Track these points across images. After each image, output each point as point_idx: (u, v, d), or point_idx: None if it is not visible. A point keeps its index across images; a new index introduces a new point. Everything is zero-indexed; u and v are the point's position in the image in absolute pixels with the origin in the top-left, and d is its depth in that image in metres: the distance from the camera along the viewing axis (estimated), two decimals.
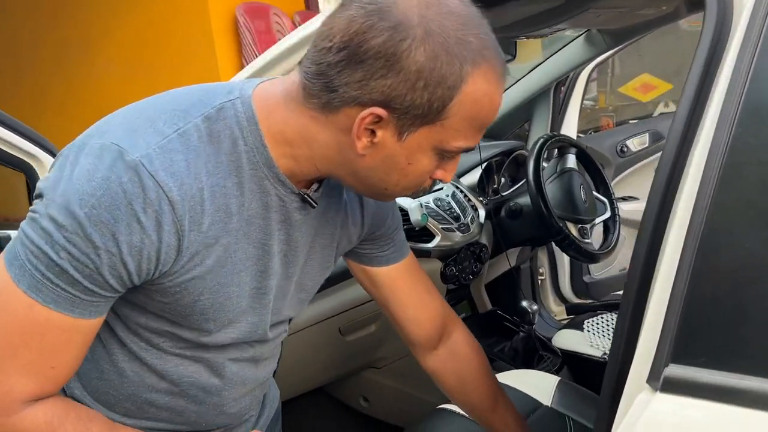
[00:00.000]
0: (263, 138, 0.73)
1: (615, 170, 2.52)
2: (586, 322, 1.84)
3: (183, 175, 0.67)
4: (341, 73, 0.67)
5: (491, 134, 2.27)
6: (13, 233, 1.42)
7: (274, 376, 1.04)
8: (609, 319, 1.85)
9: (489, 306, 2.05)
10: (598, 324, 1.83)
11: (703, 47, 0.71)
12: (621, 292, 2.16)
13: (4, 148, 1.41)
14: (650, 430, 0.62)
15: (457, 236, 1.69)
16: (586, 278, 2.49)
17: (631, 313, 0.71)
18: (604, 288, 2.48)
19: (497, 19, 1.11)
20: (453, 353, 1.07)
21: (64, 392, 0.83)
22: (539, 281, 2.44)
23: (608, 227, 1.94)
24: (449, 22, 0.66)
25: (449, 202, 1.73)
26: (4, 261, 0.68)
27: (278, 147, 0.73)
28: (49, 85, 4.42)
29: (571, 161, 1.89)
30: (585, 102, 2.52)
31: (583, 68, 2.27)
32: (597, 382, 1.67)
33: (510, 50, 1.76)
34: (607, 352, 1.71)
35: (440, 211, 1.69)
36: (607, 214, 1.93)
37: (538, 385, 1.48)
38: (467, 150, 0.74)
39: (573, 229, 1.80)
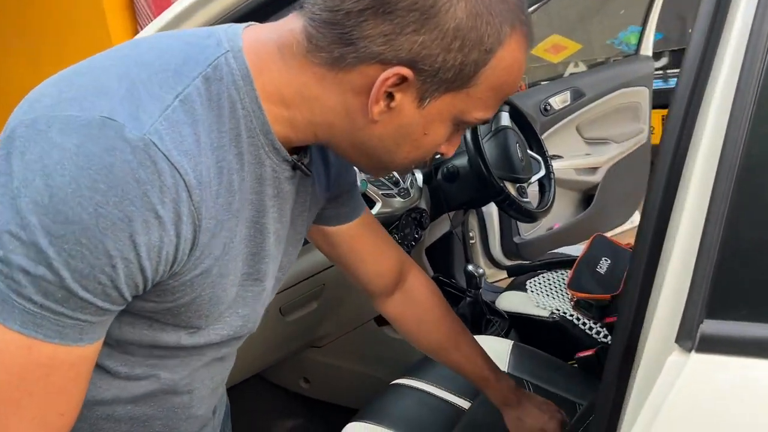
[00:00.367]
0: (259, 99, 0.62)
1: (540, 129, 2.51)
2: (528, 282, 1.81)
3: (194, 153, 0.57)
4: (363, 24, 0.57)
5: None
6: None
7: None
8: (551, 278, 1.83)
9: (431, 272, 1.99)
10: (540, 284, 1.80)
11: None
12: (558, 250, 2.17)
13: None
14: (690, 394, 0.55)
15: (398, 202, 1.60)
16: (516, 239, 2.48)
17: (645, 267, 0.64)
18: (534, 248, 2.48)
19: None
20: (410, 297, 1.04)
21: None
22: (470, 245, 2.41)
23: (543, 185, 1.92)
24: None
25: None
26: None
27: (273, 110, 0.63)
28: None
29: (505, 119, 1.84)
30: None
31: None
32: (547, 342, 1.65)
33: None
34: (555, 311, 1.69)
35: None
36: (542, 172, 1.90)
37: (492, 350, 1.43)
38: (483, 123, 0.67)
39: (512, 189, 1.76)
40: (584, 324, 1.63)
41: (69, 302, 0.54)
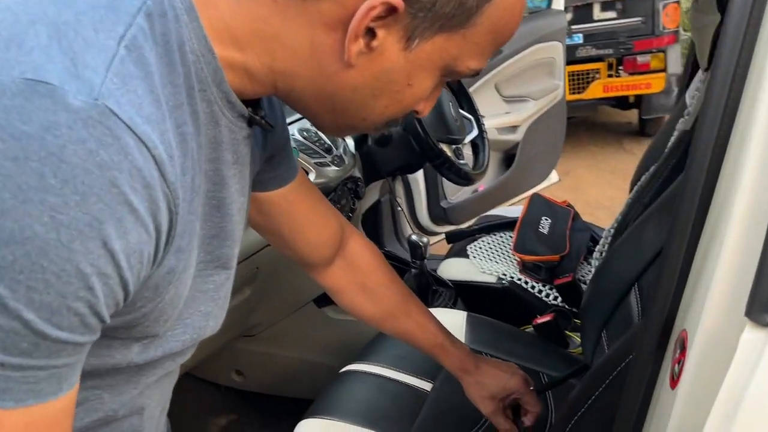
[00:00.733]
0: (209, 40, 0.49)
1: None
2: (468, 248, 1.72)
3: (158, 118, 0.44)
4: None
5: None
6: None
7: None
8: (491, 242, 1.76)
9: None
10: (481, 248, 1.72)
11: None
12: (492, 212, 2.10)
13: None
14: None
15: (332, 171, 1.45)
16: (443, 204, 2.40)
17: (690, 234, 0.54)
18: (462, 212, 2.42)
19: None
20: (353, 263, 0.94)
21: None
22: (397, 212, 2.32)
23: (477, 146, 1.83)
24: None
25: (316, 132, 1.48)
26: None
27: (225, 53, 0.51)
28: None
29: None
30: None
31: None
32: (497, 309, 1.58)
33: None
34: (502, 276, 1.61)
35: (309, 144, 1.43)
36: (475, 132, 1.81)
37: (447, 323, 1.34)
38: (472, 75, 0.57)
39: (448, 151, 1.65)
40: (533, 287, 1.57)
41: (40, 349, 0.40)
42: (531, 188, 2.78)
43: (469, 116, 1.84)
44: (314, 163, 1.41)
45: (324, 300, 1.55)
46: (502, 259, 1.67)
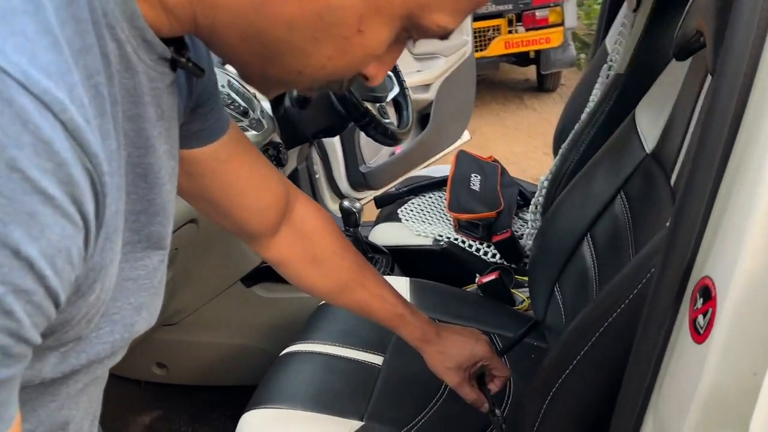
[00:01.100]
0: None
1: None
2: (399, 211, 1.64)
3: (61, 69, 0.33)
4: None
5: None
6: None
7: None
8: (421, 204, 1.69)
9: None
10: (412, 211, 1.65)
11: None
12: (417, 173, 2.03)
13: None
14: None
15: (252, 136, 1.32)
16: (361, 168, 2.31)
17: (715, 179, 0.48)
18: (382, 175, 2.34)
19: None
20: (301, 231, 0.83)
21: None
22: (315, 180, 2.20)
23: (399, 103, 1.74)
24: None
25: (229, 94, 1.34)
26: None
27: None
28: None
29: None
30: None
31: None
32: (436, 272, 1.52)
33: None
34: (438, 237, 1.55)
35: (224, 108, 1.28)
36: (397, 89, 1.72)
37: None
38: (442, 36, 0.47)
39: (373, 110, 1.55)
40: (470, 246, 1.52)
41: None
42: (447, 147, 2.74)
43: (390, 73, 1.74)
44: None
45: (253, 278, 1.42)
46: (436, 220, 1.61)
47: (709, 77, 0.81)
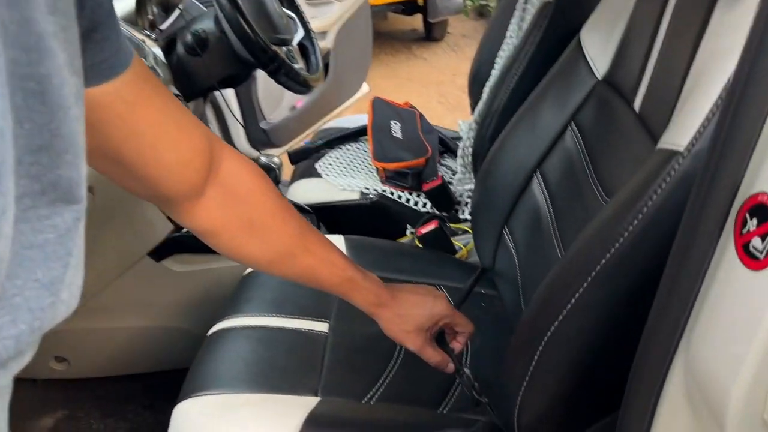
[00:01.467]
0: None
1: None
2: (317, 166, 1.51)
3: None
4: None
5: None
6: None
7: None
8: (340, 156, 1.56)
9: None
10: (332, 164, 1.52)
11: None
12: (329, 125, 1.89)
13: None
14: None
15: None
16: (262, 125, 2.14)
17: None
18: (285, 131, 2.18)
19: None
20: (230, 192, 0.70)
21: None
22: None
23: (306, 47, 1.59)
24: None
25: None
26: None
27: None
28: None
29: None
30: None
31: None
32: (367, 228, 1.41)
33: None
34: (364, 189, 1.44)
35: None
36: (302, 32, 1.57)
37: None
38: None
39: (281, 53, 1.40)
40: (400, 197, 1.42)
41: None
42: (349, 98, 2.62)
43: (292, 14, 1.59)
44: None
45: (162, 253, 1.25)
46: (358, 172, 1.49)
47: None
